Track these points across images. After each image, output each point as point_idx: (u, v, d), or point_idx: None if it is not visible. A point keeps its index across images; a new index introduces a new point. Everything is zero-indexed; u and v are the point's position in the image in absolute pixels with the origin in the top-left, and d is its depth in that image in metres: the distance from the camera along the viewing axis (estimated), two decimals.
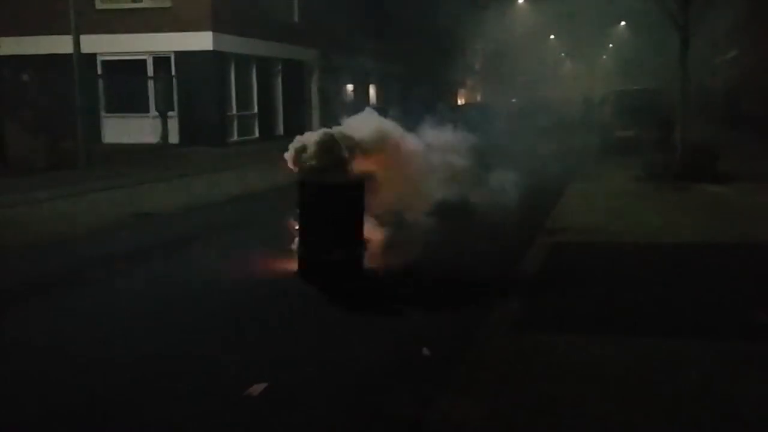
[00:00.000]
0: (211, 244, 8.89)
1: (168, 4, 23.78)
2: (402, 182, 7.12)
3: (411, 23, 35.47)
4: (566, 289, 6.22)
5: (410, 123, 7.79)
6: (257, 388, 4.29)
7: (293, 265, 6.74)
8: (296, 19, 29.92)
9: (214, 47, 23.79)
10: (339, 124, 7.18)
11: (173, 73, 23.90)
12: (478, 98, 50.74)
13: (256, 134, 26.84)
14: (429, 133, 7.79)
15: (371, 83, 37.63)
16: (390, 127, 7.32)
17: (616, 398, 3.99)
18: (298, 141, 6.97)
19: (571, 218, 9.46)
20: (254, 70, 26.79)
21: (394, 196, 7.05)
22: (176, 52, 23.83)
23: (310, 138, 6.93)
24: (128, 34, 23.49)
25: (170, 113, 23.43)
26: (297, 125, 21.02)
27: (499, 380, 4.27)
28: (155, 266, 7.64)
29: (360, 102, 31.03)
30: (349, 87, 35.15)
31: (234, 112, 25.75)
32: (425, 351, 4.87)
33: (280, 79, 28.67)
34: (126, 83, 23.93)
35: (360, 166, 6.91)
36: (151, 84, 23.94)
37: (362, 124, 7.16)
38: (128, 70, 24.03)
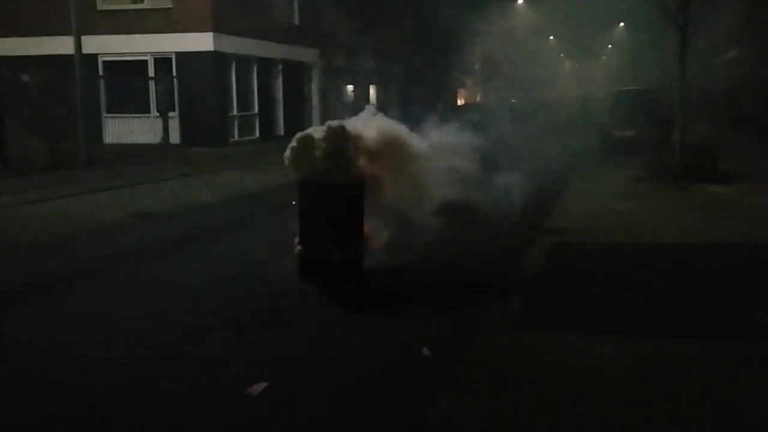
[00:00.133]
0: (212, 244, 8.89)
1: (169, 5, 23.80)
2: (405, 183, 7.09)
3: (411, 23, 35.48)
4: (566, 289, 6.22)
5: (410, 123, 7.77)
6: (257, 388, 4.29)
7: (293, 265, 6.74)
8: (296, 19, 29.93)
9: (215, 48, 23.81)
10: None
11: (174, 73, 23.91)
12: (478, 98, 50.72)
13: (257, 134, 26.86)
14: (433, 133, 7.75)
15: (371, 84, 37.64)
16: (395, 127, 7.26)
17: (616, 398, 3.99)
18: (301, 135, 6.93)
19: (571, 218, 9.46)
20: (255, 71, 26.81)
21: (396, 196, 7.03)
22: (177, 53, 23.85)
23: (317, 130, 6.91)
24: (129, 35, 23.51)
25: (171, 114, 23.43)
26: (297, 125, 20.95)
27: (499, 380, 4.27)
28: (155, 266, 7.64)
29: (360, 102, 31.02)
30: (349, 87, 35.18)
31: (235, 112, 25.76)
32: (425, 351, 4.87)
33: (280, 80, 28.69)
34: (127, 84, 23.95)
35: (365, 167, 6.87)
36: (152, 84, 23.95)
37: (367, 125, 7.10)
38: (129, 70, 24.05)
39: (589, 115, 28.16)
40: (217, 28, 23.74)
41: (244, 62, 25.91)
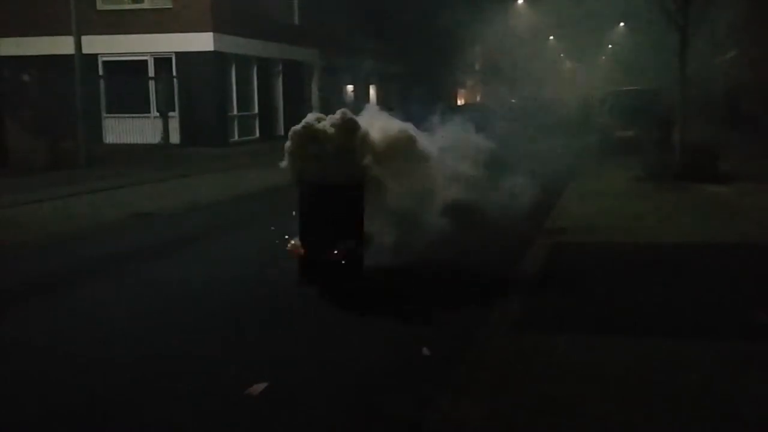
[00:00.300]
0: (212, 244, 8.90)
1: (169, 5, 23.82)
2: (408, 183, 7.04)
3: (411, 23, 35.47)
4: (566, 289, 6.23)
5: (411, 123, 7.72)
6: (257, 388, 4.29)
7: (293, 265, 6.73)
8: (296, 19, 29.94)
9: (215, 48, 23.83)
10: None
11: (174, 73, 23.92)
12: (478, 98, 50.73)
13: (257, 134, 26.87)
14: (436, 133, 7.65)
15: (371, 83, 37.65)
16: (401, 127, 7.12)
17: (616, 398, 3.99)
18: (303, 125, 6.67)
19: (571, 218, 9.46)
20: (255, 71, 26.82)
21: (398, 196, 6.99)
22: (177, 53, 23.86)
23: (320, 118, 6.73)
24: (129, 35, 23.53)
25: (171, 113, 23.44)
26: None
27: (499, 380, 4.27)
28: (155, 266, 7.64)
29: (360, 102, 31.03)
30: (349, 87, 35.19)
31: (235, 112, 25.77)
32: (425, 351, 4.87)
33: (280, 80, 28.71)
34: (127, 84, 23.96)
35: (370, 165, 6.78)
36: (152, 84, 23.96)
37: (372, 124, 6.96)
38: (129, 70, 24.06)
39: (589, 115, 28.14)
40: (217, 28, 23.75)
41: (244, 62, 25.92)
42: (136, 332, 5.44)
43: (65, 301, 6.36)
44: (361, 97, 34.98)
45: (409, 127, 7.23)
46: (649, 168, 13.21)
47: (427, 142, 7.25)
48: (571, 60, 65.22)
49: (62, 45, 19.81)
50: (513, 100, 39.58)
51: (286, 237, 6.75)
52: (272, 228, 7.48)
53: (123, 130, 23.56)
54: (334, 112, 6.83)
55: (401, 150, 7.01)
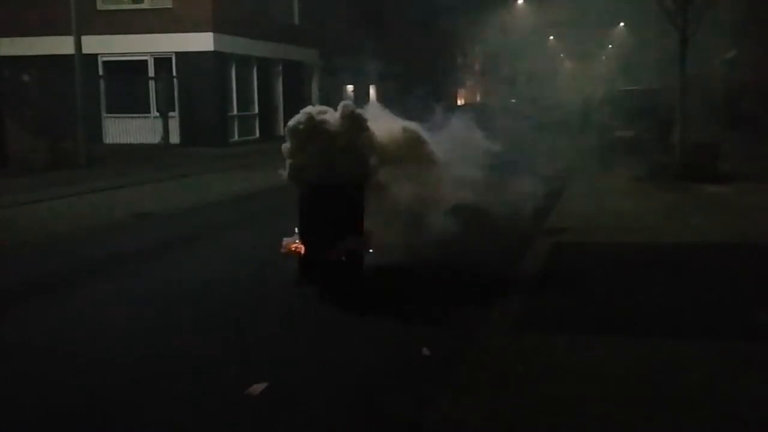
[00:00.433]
0: (212, 244, 8.90)
1: (169, 5, 23.82)
2: (411, 184, 7.00)
3: (411, 23, 35.49)
4: (566, 289, 6.23)
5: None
6: (257, 388, 4.29)
7: (293, 265, 6.73)
8: (296, 19, 29.94)
9: (215, 48, 23.83)
10: None
11: (174, 73, 23.93)
12: (478, 98, 50.76)
13: (257, 134, 26.88)
14: (443, 132, 7.56)
15: (371, 83, 37.64)
16: (407, 126, 7.01)
17: (616, 398, 3.99)
18: (302, 117, 6.38)
19: (571, 218, 9.46)
20: (255, 71, 26.82)
21: (399, 196, 6.97)
22: (177, 53, 23.86)
23: (322, 111, 6.47)
24: (129, 35, 23.53)
25: (171, 113, 23.45)
26: None
27: (499, 380, 4.27)
28: (155, 266, 7.64)
29: (360, 102, 31.00)
30: (349, 87, 35.17)
31: (235, 112, 25.78)
32: (425, 351, 4.87)
33: (280, 80, 28.71)
34: (127, 84, 23.97)
35: (374, 165, 6.66)
36: (152, 84, 23.97)
37: (376, 122, 6.78)
38: (129, 70, 24.07)
39: (589, 115, 28.17)
40: (217, 28, 23.75)
41: (244, 62, 25.92)
42: (136, 332, 5.44)
43: (65, 301, 6.36)
44: (361, 97, 34.97)
45: (417, 127, 7.12)
46: (649, 168, 13.21)
47: (434, 143, 7.13)
48: (571, 60, 65.22)
49: (62, 45, 19.81)
50: (513, 100, 39.58)
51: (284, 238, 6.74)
52: (272, 228, 7.48)
53: (123, 130, 23.55)
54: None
55: (408, 151, 6.94)
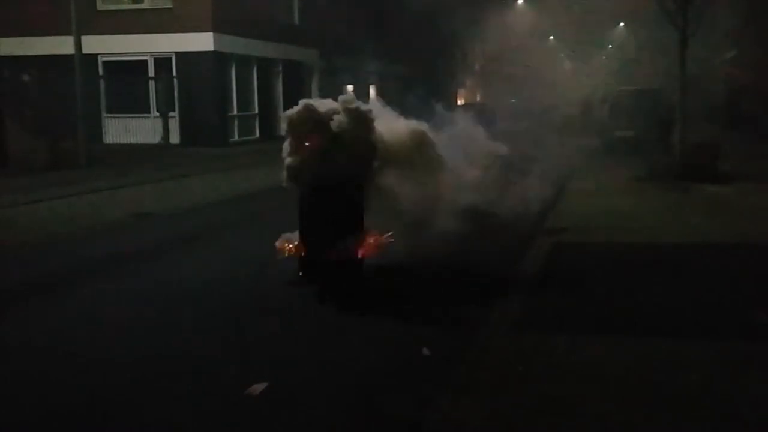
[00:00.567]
0: (212, 244, 8.90)
1: (169, 5, 23.83)
2: (413, 184, 6.96)
3: (411, 23, 35.48)
4: (566, 289, 6.23)
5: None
6: (257, 388, 4.29)
7: (293, 265, 6.73)
8: (296, 19, 29.94)
9: (215, 48, 23.83)
10: None
11: (174, 73, 23.93)
12: (478, 98, 50.75)
13: (257, 134, 26.88)
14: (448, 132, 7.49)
15: (371, 83, 37.66)
16: (413, 126, 6.92)
17: (616, 398, 3.99)
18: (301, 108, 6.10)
19: (571, 218, 9.46)
20: (255, 71, 26.83)
21: (400, 195, 6.95)
22: (177, 53, 23.87)
23: (323, 104, 6.24)
24: (129, 35, 23.54)
25: (171, 113, 23.46)
26: None
27: (499, 380, 4.27)
28: (155, 266, 7.64)
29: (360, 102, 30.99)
30: (349, 87, 35.15)
31: (235, 112, 25.78)
32: (425, 351, 4.87)
33: (280, 80, 28.71)
34: (127, 84, 23.97)
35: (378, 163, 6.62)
36: (152, 84, 23.97)
37: (380, 121, 6.63)
38: (129, 70, 24.08)
39: (590, 115, 28.15)
40: (217, 28, 23.75)
41: (244, 62, 25.93)
42: (136, 332, 5.44)
43: (65, 301, 6.36)
44: (361, 97, 34.92)
45: (425, 128, 7.02)
46: (649, 168, 13.22)
47: (441, 145, 7.03)
48: (571, 60, 65.20)
49: (62, 45, 19.81)
50: (513, 100, 39.57)
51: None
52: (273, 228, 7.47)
53: (123, 130, 23.56)
54: None
55: (415, 153, 6.87)
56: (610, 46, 59.02)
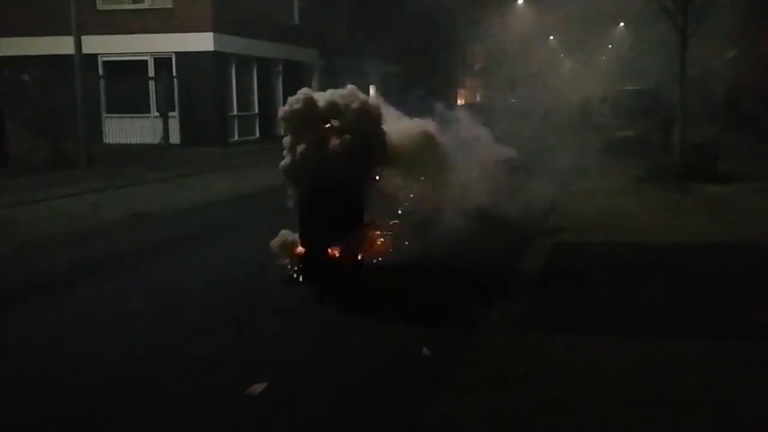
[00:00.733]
0: (211, 244, 8.89)
1: (169, 5, 23.80)
2: (414, 183, 6.95)
3: (411, 23, 35.47)
4: (566, 289, 6.23)
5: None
6: (257, 388, 4.29)
7: (293, 265, 6.73)
8: (296, 19, 29.93)
9: (215, 48, 23.81)
10: None
11: (174, 73, 23.91)
12: (478, 98, 50.75)
13: (257, 134, 26.86)
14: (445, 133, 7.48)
15: (371, 83, 37.65)
16: (420, 126, 6.90)
17: (616, 398, 3.99)
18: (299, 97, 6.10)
19: (571, 218, 9.46)
20: (255, 71, 26.81)
21: (401, 195, 6.94)
22: (177, 53, 23.85)
23: (322, 96, 6.24)
24: (129, 35, 23.52)
25: (171, 113, 23.44)
26: None
27: (499, 380, 4.27)
28: (155, 266, 7.64)
29: None
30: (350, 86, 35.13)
31: (235, 112, 25.76)
32: (425, 351, 4.87)
33: (280, 80, 28.69)
34: (127, 84, 23.95)
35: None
36: (152, 84, 23.95)
37: (391, 122, 6.65)
38: (129, 70, 24.05)
39: (590, 115, 28.16)
40: (217, 28, 23.74)
41: (244, 62, 25.91)
42: (136, 332, 5.44)
43: (65, 301, 6.36)
44: None
45: (431, 127, 6.99)
46: (649, 168, 13.21)
47: (447, 146, 7.01)
48: (571, 60, 65.20)
49: (62, 45, 19.80)
50: (513, 100, 39.56)
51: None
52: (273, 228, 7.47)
53: (123, 130, 23.54)
54: None
55: (421, 154, 6.83)
56: (610, 46, 59.01)
